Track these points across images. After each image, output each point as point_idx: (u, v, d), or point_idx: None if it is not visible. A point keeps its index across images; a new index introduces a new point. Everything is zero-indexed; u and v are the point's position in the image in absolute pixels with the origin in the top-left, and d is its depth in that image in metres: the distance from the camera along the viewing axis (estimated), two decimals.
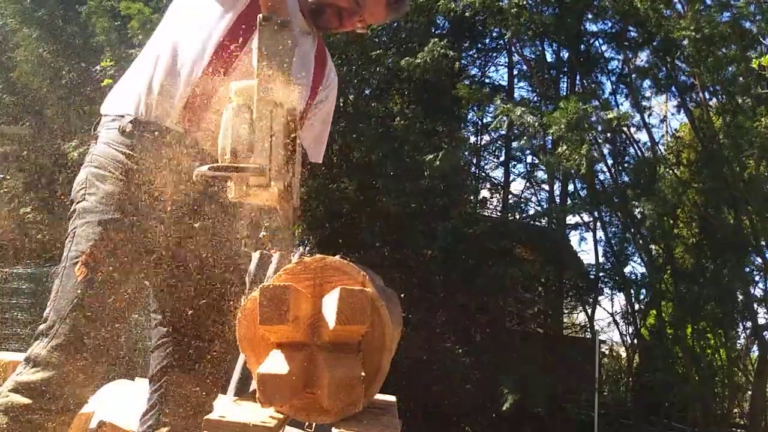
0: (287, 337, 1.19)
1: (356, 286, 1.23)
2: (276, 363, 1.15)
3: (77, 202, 1.44)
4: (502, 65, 10.94)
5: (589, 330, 9.34)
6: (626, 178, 8.41)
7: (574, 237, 9.95)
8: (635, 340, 8.80)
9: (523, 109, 7.13)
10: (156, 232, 1.42)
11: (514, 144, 9.58)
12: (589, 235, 9.22)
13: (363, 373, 1.15)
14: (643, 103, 8.78)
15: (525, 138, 7.63)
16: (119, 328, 1.45)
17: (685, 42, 7.15)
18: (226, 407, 1.23)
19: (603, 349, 9.76)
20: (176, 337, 1.57)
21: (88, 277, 1.38)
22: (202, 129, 1.45)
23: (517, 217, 8.93)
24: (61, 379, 1.34)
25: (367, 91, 9.37)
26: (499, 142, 10.01)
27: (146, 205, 1.41)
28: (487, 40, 10.09)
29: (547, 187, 9.45)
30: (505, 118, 7.26)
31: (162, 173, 1.41)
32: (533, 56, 9.15)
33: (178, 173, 1.41)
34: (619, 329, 9.25)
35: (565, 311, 10.36)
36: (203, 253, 1.49)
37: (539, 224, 9.14)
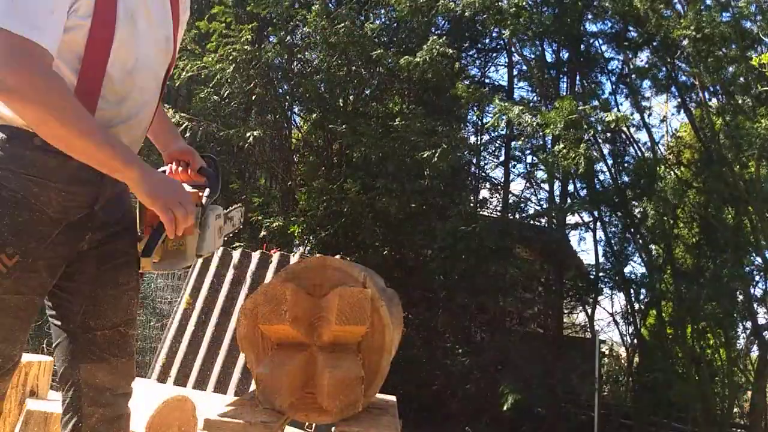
0: (287, 336, 1.19)
1: (357, 286, 1.23)
2: (275, 363, 1.15)
3: None
4: (501, 65, 10.96)
5: (589, 330, 9.34)
6: (626, 178, 8.41)
7: (574, 237, 9.97)
8: (635, 340, 8.80)
9: (521, 108, 7.13)
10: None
11: (514, 144, 9.59)
12: (589, 235, 9.24)
13: (363, 374, 1.15)
14: (643, 103, 8.79)
15: (523, 138, 7.63)
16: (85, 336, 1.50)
17: (685, 42, 7.16)
18: (227, 407, 1.23)
19: (603, 349, 9.75)
20: (75, 331, 1.56)
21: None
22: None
23: (517, 216, 8.93)
24: None
25: (367, 91, 9.37)
26: (499, 142, 10.02)
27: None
28: (487, 40, 10.10)
29: (546, 187, 9.45)
30: (503, 117, 7.26)
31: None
32: (533, 56, 9.16)
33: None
34: (619, 329, 9.25)
35: (565, 311, 10.36)
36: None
37: (539, 224, 9.14)
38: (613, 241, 8.56)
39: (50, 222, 1.39)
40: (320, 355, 1.22)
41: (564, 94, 8.64)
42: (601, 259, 8.82)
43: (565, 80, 9.49)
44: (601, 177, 8.54)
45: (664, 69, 8.23)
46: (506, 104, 7.31)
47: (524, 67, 9.51)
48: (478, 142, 10.36)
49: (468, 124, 10.10)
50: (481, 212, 9.71)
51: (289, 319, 1.16)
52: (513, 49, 9.40)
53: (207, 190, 1.55)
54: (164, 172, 1.65)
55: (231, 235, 1.65)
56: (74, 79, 1.39)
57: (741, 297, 7.72)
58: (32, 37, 1.28)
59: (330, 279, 1.25)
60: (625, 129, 8.12)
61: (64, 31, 1.35)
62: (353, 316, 1.17)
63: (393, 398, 1.74)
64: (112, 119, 1.45)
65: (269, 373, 1.16)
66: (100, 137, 1.33)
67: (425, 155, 7.48)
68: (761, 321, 7.84)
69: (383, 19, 9.43)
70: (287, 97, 9.24)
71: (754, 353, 8.19)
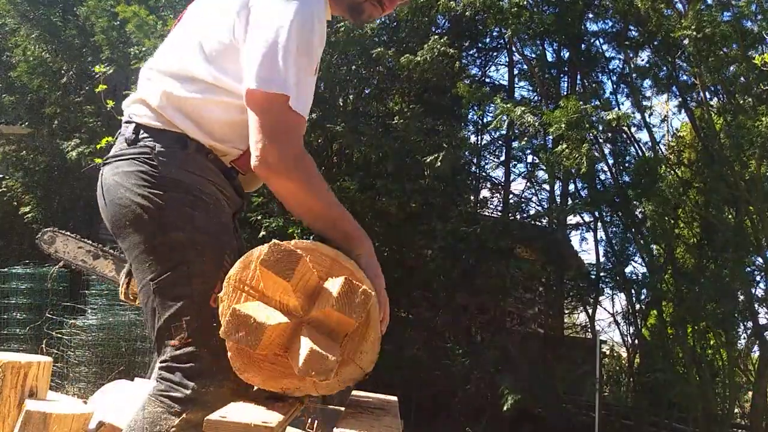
0: (282, 295, 1.20)
1: (361, 283, 1.24)
2: (256, 310, 1.16)
3: (165, 233, 1.36)
4: (502, 65, 10.94)
5: (589, 330, 9.33)
6: (627, 178, 8.41)
7: (574, 237, 9.96)
8: (636, 340, 8.79)
9: (523, 108, 7.13)
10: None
11: (515, 144, 9.58)
12: (589, 235, 9.22)
13: (339, 359, 1.17)
14: (644, 103, 8.78)
15: (526, 138, 7.63)
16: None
17: (686, 41, 7.15)
18: (227, 407, 1.22)
19: (604, 349, 9.75)
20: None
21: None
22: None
23: (518, 217, 8.92)
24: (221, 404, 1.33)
25: (367, 91, 9.36)
26: (500, 142, 10.01)
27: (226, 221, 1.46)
28: (488, 40, 10.09)
29: (547, 187, 9.44)
30: (504, 117, 7.25)
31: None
32: (534, 56, 9.16)
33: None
34: (619, 329, 9.23)
35: (566, 311, 10.35)
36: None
37: (540, 224, 9.13)
38: (614, 241, 8.55)
39: (232, 226, 1.46)
40: (305, 328, 1.23)
41: (564, 93, 8.64)
42: (602, 259, 8.83)
43: (565, 80, 9.50)
44: (602, 177, 8.54)
45: (664, 68, 8.23)
46: (508, 105, 7.30)
47: (525, 67, 9.51)
48: (479, 142, 10.36)
49: (468, 124, 10.10)
50: (481, 212, 9.71)
51: (296, 280, 1.17)
52: (514, 49, 9.40)
53: None
54: None
55: None
56: None
57: (742, 297, 7.72)
58: (303, 114, 1.37)
59: (339, 273, 1.26)
60: (626, 128, 8.12)
61: None
62: (351, 306, 1.18)
63: (394, 398, 1.73)
64: None
65: (246, 313, 1.18)
66: (342, 209, 1.41)
67: (428, 160, 7.48)
68: (762, 321, 7.85)
69: (383, 18, 9.43)
70: None
71: (755, 353, 8.19)
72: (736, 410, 8.65)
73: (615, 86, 9.10)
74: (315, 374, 1.11)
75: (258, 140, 1.32)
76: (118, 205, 1.40)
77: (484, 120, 9.56)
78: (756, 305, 7.83)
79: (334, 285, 1.17)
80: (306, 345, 1.13)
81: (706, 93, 8.01)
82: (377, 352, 1.30)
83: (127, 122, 1.48)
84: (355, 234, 1.39)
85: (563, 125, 6.62)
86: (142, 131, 1.43)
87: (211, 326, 1.30)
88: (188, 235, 1.35)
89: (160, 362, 1.38)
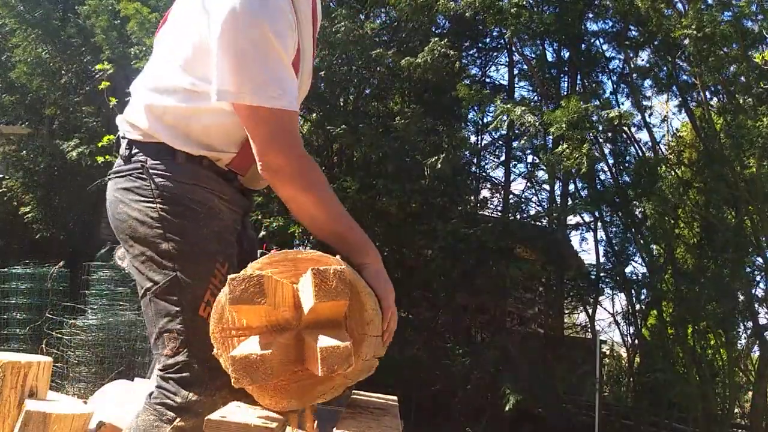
0: (269, 318, 1.19)
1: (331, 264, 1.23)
2: (251, 346, 1.15)
3: (157, 244, 1.39)
4: (502, 65, 10.94)
5: (589, 330, 9.32)
6: (627, 178, 8.41)
7: (574, 237, 9.94)
8: (636, 341, 8.79)
9: (523, 108, 7.13)
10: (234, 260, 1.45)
11: (515, 144, 9.58)
12: (589, 235, 9.22)
13: (350, 342, 1.15)
14: (644, 103, 8.78)
15: (526, 138, 7.62)
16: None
17: (686, 41, 7.15)
18: (227, 407, 1.22)
19: (604, 350, 9.75)
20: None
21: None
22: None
23: (518, 217, 8.92)
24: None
25: (367, 91, 9.37)
26: (500, 142, 10.01)
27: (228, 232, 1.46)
28: (488, 40, 10.09)
29: (547, 187, 9.44)
30: (505, 117, 7.25)
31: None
32: (534, 56, 9.16)
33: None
34: (619, 329, 9.23)
35: (566, 311, 10.35)
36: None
37: (540, 224, 9.13)
38: (614, 241, 8.55)
39: (231, 230, 1.45)
40: (306, 333, 1.22)
41: (564, 93, 8.64)
42: (602, 259, 8.83)
43: (565, 80, 9.49)
44: (602, 177, 8.54)
45: (665, 68, 8.23)
46: (508, 105, 7.30)
47: (525, 67, 9.51)
48: (479, 142, 10.36)
49: (468, 124, 10.10)
50: (481, 212, 9.71)
51: (271, 299, 1.16)
52: (513, 49, 9.40)
53: None
54: None
55: None
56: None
57: (742, 297, 7.72)
58: (294, 109, 1.35)
59: (305, 269, 1.24)
60: (626, 128, 8.12)
61: None
62: (331, 291, 1.17)
63: (394, 398, 1.73)
64: None
65: (241, 355, 1.16)
66: (349, 219, 1.39)
67: (429, 162, 7.48)
68: (762, 321, 7.85)
69: (383, 18, 9.43)
70: None
71: (755, 353, 8.19)
72: (736, 410, 8.65)
73: (615, 86, 9.11)
74: (338, 367, 1.11)
75: (259, 150, 1.34)
76: (118, 220, 1.45)
77: (484, 120, 9.57)
78: (756, 305, 7.83)
79: (305, 283, 1.17)
80: (314, 347, 1.12)
81: (706, 93, 8.01)
82: (380, 314, 1.29)
83: (121, 138, 1.52)
84: (362, 244, 1.38)
85: (564, 125, 6.62)
86: (134, 147, 1.46)
87: (202, 335, 1.31)
88: (178, 245, 1.38)
89: (158, 371, 1.40)
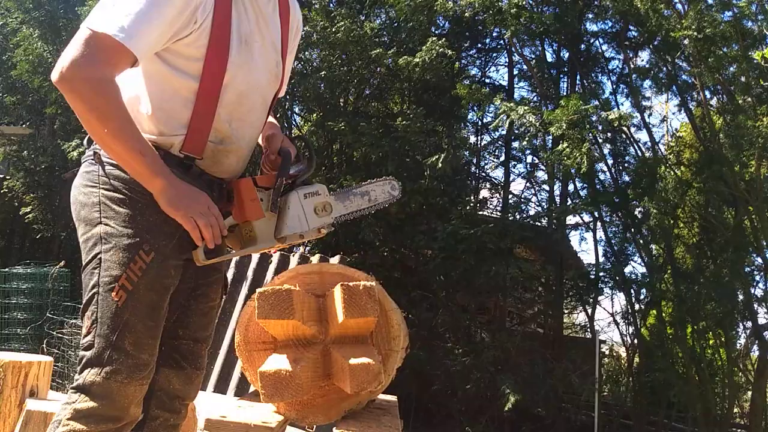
0: (296, 332, 1.18)
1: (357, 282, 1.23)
2: (280, 362, 1.14)
3: (93, 226, 1.46)
4: (502, 65, 10.96)
5: (589, 330, 9.33)
6: (627, 178, 8.41)
7: (574, 237, 9.96)
8: (635, 340, 8.79)
9: (525, 108, 7.13)
10: (174, 249, 1.47)
11: (515, 144, 9.59)
12: (589, 235, 9.23)
13: (380, 359, 1.14)
14: (644, 103, 8.79)
15: (527, 138, 7.62)
16: (171, 342, 1.54)
17: (686, 41, 7.15)
18: (227, 408, 1.22)
19: (603, 349, 9.76)
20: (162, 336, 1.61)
21: (127, 301, 1.42)
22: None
23: (517, 217, 8.92)
24: (119, 403, 1.41)
25: (367, 91, 9.36)
26: (499, 142, 10.02)
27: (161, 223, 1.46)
28: (487, 40, 10.10)
29: (547, 187, 9.45)
30: (505, 117, 7.25)
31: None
32: (533, 56, 9.17)
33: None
34: (619, 329, 9.24)
35: (566, 311, 10.36)
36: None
37: (539, 224, 9.13)
38: (613, 241, 8.56)
39: (174, 223, 1.44)
40: (333, 348, 1.21)
41: (564, 93, 8.64)
42: (602, 259, 8.83)
43: (565, 80, 9.50)
44: (602, 177, 8.54)
45: (664, 68, 8.23)
46: (510, 104, 7.30)
47: (524, 67, 9.51)
48: (478, 143, 10.37)
49: (468, 124, 10.10)
50: (481, 212, 9.71)
51: (300, 314, 1.15)
52: (513, 49, 9.40)
53: (277, 173, 1.55)
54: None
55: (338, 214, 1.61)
56: (193, 99, 1.49)
57: (741, 297, 7.72)
58: (121, 39, 1.37)
59: (331, 283, 1.24)
60: (625, 129, 8.12)
61: (185, 59, 1.47)
62: (361, 308, 1.16)
63: (394, 398, 1.74)
64: (224, 139, 1.55)
65: (270, 371, 1.15)
66: (134, 144, 1.40)
67: (429, 161, 7.48)
68: (761, 321, 7.85)
69: (383, 18, 9.43)
70: (287, 97, 9.25)
71: (755, 353, 8.19)
72: (735, 410, 8.66)
73: (615, 86, 9.11)
74: (367, 385, 1.10)
75: (62, 57, 1.38)
76: (71, 201, 1.54)
77: (484, 120, 9.57)
78: (755, 305, 7.83)
79: (334, 298, 1.16)
80: (344, 365, 1.11)
81: (706, 93, 8.01)
82: (405, 329, 1.30)
83: None
84: (146, 174, 1.40)
85: (564, 124, 6.62)
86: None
87: (109, 318, 1.38)
88: (107, 230, 1.44)
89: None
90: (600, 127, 7.24)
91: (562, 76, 9.48)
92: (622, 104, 9.27)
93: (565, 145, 6.86)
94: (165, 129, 1.50)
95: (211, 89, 1.49)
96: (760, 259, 7.81)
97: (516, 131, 8.29)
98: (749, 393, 8.19)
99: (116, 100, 1.39)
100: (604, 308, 12.37)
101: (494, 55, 10.54)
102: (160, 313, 1.46)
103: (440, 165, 7.40)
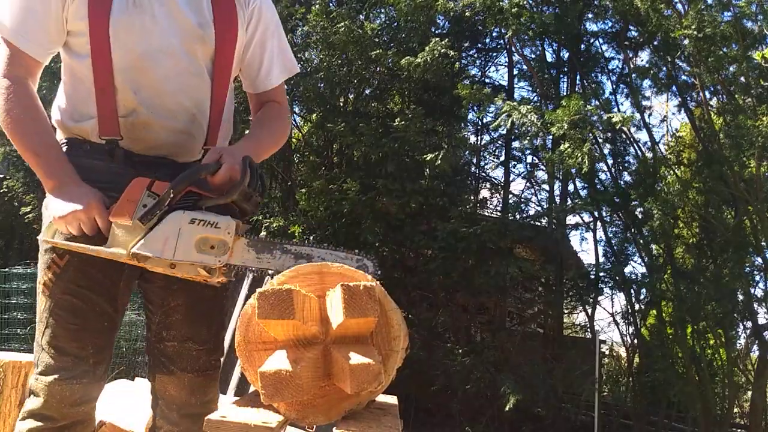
0: (296, 332, 1.18)
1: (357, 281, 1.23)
2: (280, 361, 1.14)
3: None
4: (502, 65, 10.95)
5: (589, 330, 9.33)
6: (627, 178, 8.41)
7: (574, 237, 9.97)
8: (635, 340, 8.79)
9: (527, 107, 7.13)
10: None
11: (515, 144, 9.59)
12: (589, 235, 9.22)
13: (380, 359, 1.14)
14: (644, 103, 8.78)
15: (528, 138, 7.62)
16: (99, 342, 1.48)
17: (686, 41, 7.15)
18: (227, 408, 1.22)
19: (603, 349, 9.75)
20: (150, 340, 1.59)
21: (47, 305, 1.43)
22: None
23: (517, 217, 8.92)
24: (49, 403, 1.41)
25: (367, 91, 9.36)
26: (500, 142, 10.02)
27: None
28: (487, 40, 10.09)
29: (547, 187, 9.45)
30: (506, 117, 7.25)
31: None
32: (533, 56, 9.16)
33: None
34: (619, 329, 9.23)
35: (565, 311, 10.35)
36: None
37: (539, 224, 9.14)
38: (613, 241, 8.55)
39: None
40: (333, 348, 1.21)
41: (564, 93, 8.64)
42: (602, 259, 8.82)
43: (565, 80, 9.50)
44: (602, 177, 8.54)
45: (664, 68, 8.23)
46: (512, 104, 7.30)
47: (524, 67, 9.51)
48: (479, 142, 10.37)
49: (468, 124, 10.10)
50: (481, 212, 9.71)
51: (300, 314, 1.15)
52: (513, 49, 9.40)
53: (171, 183, 1.37)
54: None
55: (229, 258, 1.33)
56: (91, 76, 1.47)
57: (741, 297, 7.72)
58: (22, 46, 1.43)
59: (331, 283, 1.24)
60: (625, 129, 8.12)
61: (75, 37, 1.46)
62: (361, 308, 1.16)
63: (394, 398, 1.74)
64: (134, 110, 1.48)
65: (270, 371, 1.15)
66: (29, 144, 1.41)
67: (428, 158, 7.48)
68: (761, 321, 7.84)
69: (383, 18, 9.43)
70: (287, 97, 9.24)
71: (755, 353, 8.19)
72: (735, 410, 8.65)
73: (614, 86, 9.10)
74: (368, 385, 1.10)
75: None
76: None
77: (484, 120, 9.56)
78: (755, 305, 7.83)
79: (334, 298, 1.16)
80: (344, 365, 1.11)
81: (706, 93, 8.01)
82: (405, 329, 1.29)
83: None
84: (42, 173, 1.41)
85: (565, 124, 6.62)
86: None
87: (37, 321, 1.43)
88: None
89: None
90: (601, 128, 7.23)
91: (562, 76, 9.48)
92: (622, 104, 9.28)
93: (567, 145, 6.86)
94: (78, 117, 1.50)
95: (102, 60, 1.44)
96: (760, 259, 7.81)
97: (517, 131, 8.29)
98: (749, 393, 8.18)
99: (15, 99, 1.41)
100: (604, 308, 12.39)
101: (494, 55, 10.54)
102: (87, 315, 1.43)
103: (439, 162, 7.40)
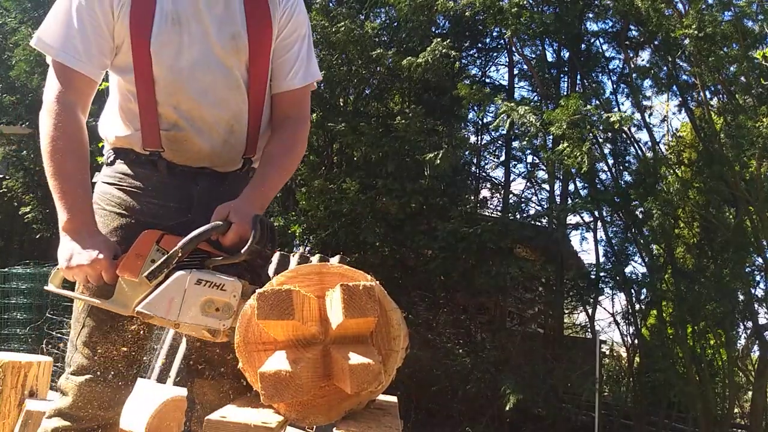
0: (296, 332, 1.18)
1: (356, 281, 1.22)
2: (279, 362, 1.14)
3: None
4: (502, 65, 10.95)
5: (589, 330, 9.32)
6: (628, 178, 8.40)
7: (574, 237, 9.96)
8: (636, 340, 8.78)
9: (526, 107, 7.13)
10: None
11: (515, 144, 9.59)
12: (589, 235, 9.21)
13: (380, 359, 1.14)
14: (644, 103, 8.77)
15: (527, 138, 7.62)
16: (129, 349, 1.52)
17: (687, 41, 7.15)
18: (227, 408, 1.22)
19: (603, 349, 9.74)
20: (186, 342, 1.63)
21: (87, 304, 1.46)
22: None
23: (518, 216, 8.92)
24: (82, 403, 1.45)
25: (367, 91, 9.36)
26: (500, 142, 10.02)
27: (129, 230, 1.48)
28: (488, 40, 10.09)
29: (547, 187, 9.44)
30: (506, 117, 7.25)
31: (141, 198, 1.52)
32: (534, 56, 9.16)
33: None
34: (619, 329, 9.22)
35: (566, 311, 10.34)
36: None
37: (539, 224, 9.13)
38: (614, 241, 8.55)
39: (143, 226, 1.43)
40: (333, 348, 1.21)
41: (564, 93, 8.64)
42: (602, 259, 8.82)
43: (565, 80, 9.49)
44: (602, 177, 8.54)
45: (665, 68, 8.22)
46: (511, 104, 7.30)
47: (525, 67, 9.51)
48: (479, 142, 10.36)
49: (468, 124, 10.10)
50: (481, 212, 9.70)
51: (299, 314, 1.14)
52: (513, 49, 9.40)
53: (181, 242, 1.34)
54: None
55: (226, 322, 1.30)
56: (134, 90, 1.50)
57: (742, 297, 7.71)
58: (75, 66, 1.45)
59: (331, 283, 1.23)
60: (625, 129, 8.12)
61: (121, 54, 1.49)
62: (361, 308, 1.15)
63: (394, 398, 1.73)
64: (176, 124, 1.52)
65: (270, 371, 1.14)
66: (64, 179, 1.42)
67: (428, 157, 7.48)
68: (762, 321, 7.84)
69: (383, 18, 9.43)
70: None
71: (755, 353, 8.18)
72: (735, 410, 8.65)
73: (615, 86, 9.10)
74: (368, 385, 1.09)
75: None
76: None
77: (484, 120, 9.56)
78: (756, 305, 7.83)
79: (334, 298, 1.16)
80: (344, 365, 1.11)
81: (706, 93, 8.00)
82: (405, 329, 1.29)
83: None
84: (59, 207, 1.42)
85: (564, 124, 6.62)
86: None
87: (78, 316, 1.48)
88: None
89: None
90: (601, 128, 7.23)
91: (562, 75, 9.48)
92: (622, 104, 9.28)
93: (566, 144, 6.85)
94: (124, 129, 1.54)
95: (144, 75, 1.47)
96: (760, 259, 7.80)
97: (516, 131, 8.29)
98: (750, 393, 8.18)
99: (62, 128, 1.43)
100: (604, 308, 12.35)
101: (494, 54, 10.54)
102: (123, 318, 1.44)
103: (438, 161, 7.39)
